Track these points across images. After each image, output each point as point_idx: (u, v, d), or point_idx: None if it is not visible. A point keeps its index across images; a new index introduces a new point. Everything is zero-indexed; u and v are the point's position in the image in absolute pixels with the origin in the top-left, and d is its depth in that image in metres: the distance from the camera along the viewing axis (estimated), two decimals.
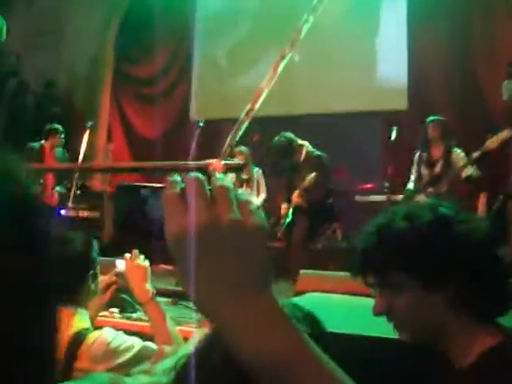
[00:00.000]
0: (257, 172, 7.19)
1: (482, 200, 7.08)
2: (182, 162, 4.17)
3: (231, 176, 7.03)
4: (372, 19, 8.73)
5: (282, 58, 2.03)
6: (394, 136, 5.86)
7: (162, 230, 0.63)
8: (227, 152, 2.36)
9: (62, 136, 7.38)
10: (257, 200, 7.00)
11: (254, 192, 7.08)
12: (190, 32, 10.15)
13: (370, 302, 2.84)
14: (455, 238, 1.20)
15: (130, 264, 2.30)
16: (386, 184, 5.93)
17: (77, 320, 2.07)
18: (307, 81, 8.80)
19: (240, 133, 2.19)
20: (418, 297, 1.25)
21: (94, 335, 2.04)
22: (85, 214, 8.13)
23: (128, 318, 3.62)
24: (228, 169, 2.25)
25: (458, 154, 5.59)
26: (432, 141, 5.67)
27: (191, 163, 3.55)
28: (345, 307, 2.75)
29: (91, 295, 2.24)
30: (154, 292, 2.26)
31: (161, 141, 9.47)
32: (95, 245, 2.30)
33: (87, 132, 6.79)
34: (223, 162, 2.36)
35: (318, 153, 6.38)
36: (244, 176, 7.03)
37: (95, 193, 8.69)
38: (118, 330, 2.18)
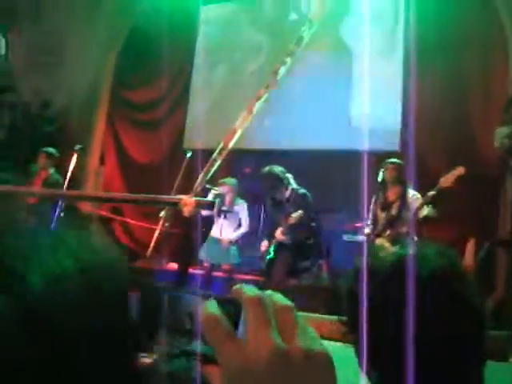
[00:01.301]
0: (241, 204, 7.07)
1: (470, 248, 7.05)
2: (156, 196, 4.21)
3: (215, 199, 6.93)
4: (368, 60, 8.80)
5: (258, 99, 2.01)
6: (380, 178, 5.86)
7: None
8: (199, 189, 2.33)
9: (53, 158, 7.42)
10: (234, 233, 6.96)
11: (232, 224, 6.99)
12: (189, 60, 10.22)
13: (342, 349, 2.79)
14: None
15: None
16: (368, 224, 5.93)
17: None
18: (301, 117, 8.85)
19: (212, 170, 2.17)
20: None
21: None
22: None
23: None
24: (198, 205, 2.23)
25: (414, 194, 5.61)
26: (388, 183, 5.70)
27: (163, 197, 3.56)
28: None
29: None
30: None
31: (153, 167, 9.49)
32: None
33: (75, 155, 6.77)
34: (194, 199, 2.35)
35: (303, 191, 6.40)
36: (224, 208, 6.86)
37: (83, 215, 8.64)
38: None
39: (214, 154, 1.91)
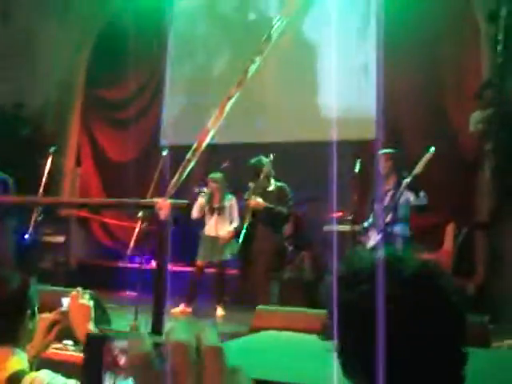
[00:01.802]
0: (230, 200, 7.08)
1: (449, 232, 7.12)
2: (130, 200, 4.18)
3: (202, 204, 6.95)
4: (341, 49, 8.83)
5: (229, 98, 2.02)
6: (357, 168, 5.86)
7: None
8: (173, 190, 2.32)
9: None
10: (229, 228, 6.95)
11: (226, 220, 7.00)
12: (162, 56, 10.16)
13: (311, 339, 2.81)
14: None
15: (74, 303, 2.25)
16: (349, 216, 5.94)
17: (13, 361, 2.01)
18: (276, 109, 8.88)
19: (187, 170, 2.16)
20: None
21: (29, 377, 1.98)
22: (49, 238, 8.04)
23: (81, 350, 3.56)
24: (173, 208, 2.22)
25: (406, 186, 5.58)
26: (385, 174, 5.66)
27: (139, 201, 3.53)
28: (291, 347, 2.71)
29: (29, 335, 2.18)
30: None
31: (131, 166, 9.41)
32: (33, 283, 2.24)
33: (50, 157, 6.72)
34: (169, 201, 2.33)
35: (283, 184, 6.44)
36: (215, 205, 6.96)
37: (60, 217, 8.59)
38: (72, 362, 2.11)
39: (188, 155, 1.90)
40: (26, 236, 6.93)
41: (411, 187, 5.32)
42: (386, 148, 5.84)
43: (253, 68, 2.01)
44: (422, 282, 1.14)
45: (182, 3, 10.26)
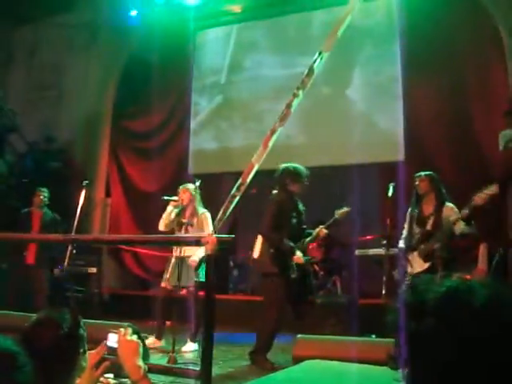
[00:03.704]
0: (202, 214, 6.21)
1: (482, 251, 7.03)
2: (179, 235, 4.24)
3: (172, 216, 6.25)
4: (369, 72, 8.89)
5: (272, 133, 2.04)
6: (390, 192, 5.82)
7: None
8: (220, 225, 2.35)
9: (45, 196, 7.46)
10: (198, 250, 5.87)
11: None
12: (187, 87, 10.29)
13: (366, 369, 2.79)
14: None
15: (122, 340, 2.26)
16: (383, 241, 5.89)
17: None
18: (305, 135, 8.93)
19: (232, 207, 2.19)
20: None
21: None
22: (83, 270, 8.12)
23: None
24: (221, 242, 2.25)
25: (451, 208, 5.49)
26: (423, 196, 5.59)
27: (183, 236, 3.58)
28: (345, 377, 2.68)
29: (80, 371, 2.21)
30: (146, 369, 2.21)
31: (159, 195, 9.48)
32: (81, 321, 2.27)
33: (84, 190, 6.80)
34: (215, 236, 2.36)
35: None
36: (184, 220, 6.11)
37: (92, 248, 8.68)
38: None
39: (233, 190, 1.91)
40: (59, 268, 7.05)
41: (463, 218, 5.25)
42: (418, 171, 5.78)
43: (296, 102, 2.04)
44: (491, 313, 1.14)
45: (205, 34, 10.41)
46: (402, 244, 5.63)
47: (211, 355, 2.29)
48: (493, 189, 5.13)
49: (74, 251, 6.58)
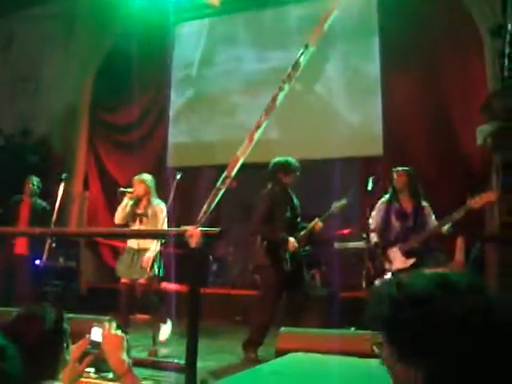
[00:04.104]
0: (157, 205, 6.09)
1: (460, 244, 7.10)
2: (161, 229, 4.22)
3: (127, 209, 6.07)
4: (346, 68, 8.93)
5: (257, 127, 2.04)
6: (370, 186, 5.85)
7: None
8: (204, 218, 2.34)
9: (35, 185, 7.52)
10: (153, 243, 5.92)
11: (148, 227, 5.99)
12: (166, 80, 10.25)
13: (350, 361, 2.81)
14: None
15: (107, 334, 2.25)
16: (363, 234, 5.92)
17: None
18: (284, 128, 8.93)
19: (216, 200, 2.18)
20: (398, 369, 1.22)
21: None
22: (61, 263, 8.06)
23: (104, 378, 3.55)
24: (205, 235, 2.24)
25: (428, 206, 5.57)
26: (400, 191, 5.64)
27: (169, 230, 3.56)
28: (328, 369, 2.70)
29: (64, 365, 2.20)
30: (131, 362, 2.20)
31: None
32: (64, 315, 2.25)
33: (62, 184, 6.72)
34: (199, 229, 2.35)
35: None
36: (138, 211, 6.01)
37: (70, 242, 8.62)
38: None
39: (218, 183, 1.90)
40: (37, 261, 6.99)
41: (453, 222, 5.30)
42: (397, 165, 5.83)
43: (281, 96, 2.04)
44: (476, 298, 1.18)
45: (183, 27, 10.37)
46: (375, 238, 5.66)
47: (196, 350, 2.28)
48: (490, 195, 5.19)
49: (54, 245, 6.51)
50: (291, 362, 2.83)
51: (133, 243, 5.96)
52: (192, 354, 2.26)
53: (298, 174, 5.71)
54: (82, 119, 10.17)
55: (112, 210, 9.99)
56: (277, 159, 5.69)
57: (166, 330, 5.85)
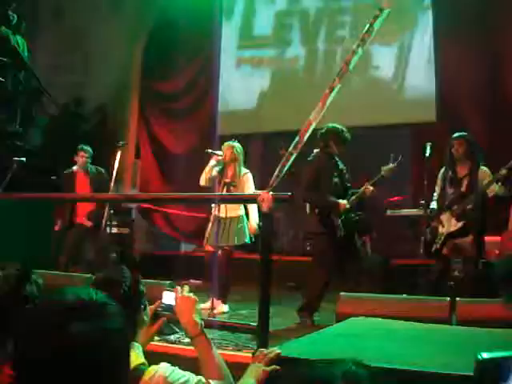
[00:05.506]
0: (244, 175, 6.05)
1: None
2: (233, 193, 4.20)
3: (213, 172, 6.06)
4: (400, 32, 8.76)
5: (331, 90, 2.04)
6: (428, 152, 5.77)
7: None
8: (275, 183, 2.37)
9: (87, 154, 7.23)
10: (240, 210, 5.98)
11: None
12: (215, 47, 10.21)
13: (409, 326, 2.83)
14: None
15: (179, 297, 2.30)
16: (422, 201, 5.88)
17: (133, 355, 2.08)
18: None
19: (288, 164, 2.20)
20: None
21: (151, 371, 2.05)
22: (115, 230, 8.21)
23: (166, 341, 3.65)
24: (277, 200, 2.27)
25: (485, 171, 5.45)
26: (457, 159, 5.54)
27: (246, 194, 3.57)
28: (394, 332, 2.72)
29: (142, 326, 2.27)
30: (203, 324, 2.26)
31: (188, 156, 9.53)
32: (140, 278, 2.32)
33: (119, 152, 6.72)
34: (271, 193, 2.38)
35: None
36: (226, 180, 5.88)
37: (124, 210, 8.77)
38: (155, 352, 2.19)
39: (290, 148, 1.91)
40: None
41: (500, 179, 5.21)
42: (451, 133, 5.72)
43: (355, 59, 2.04)
44: None
45: None
46: (434, 205, 5.64)
47: (268, 312, 2.34)
48: None
49: (112, 211, 6.63)
50: (355, 325, 2.86)
51: (221, 212, 5.83)
52: (264, 317, 2.32)
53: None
54: (133, 88, 10.31)
55: (164, 178, 10.18)
56: (331, 125, 5.55)
57: (222, 309, 5.79)
